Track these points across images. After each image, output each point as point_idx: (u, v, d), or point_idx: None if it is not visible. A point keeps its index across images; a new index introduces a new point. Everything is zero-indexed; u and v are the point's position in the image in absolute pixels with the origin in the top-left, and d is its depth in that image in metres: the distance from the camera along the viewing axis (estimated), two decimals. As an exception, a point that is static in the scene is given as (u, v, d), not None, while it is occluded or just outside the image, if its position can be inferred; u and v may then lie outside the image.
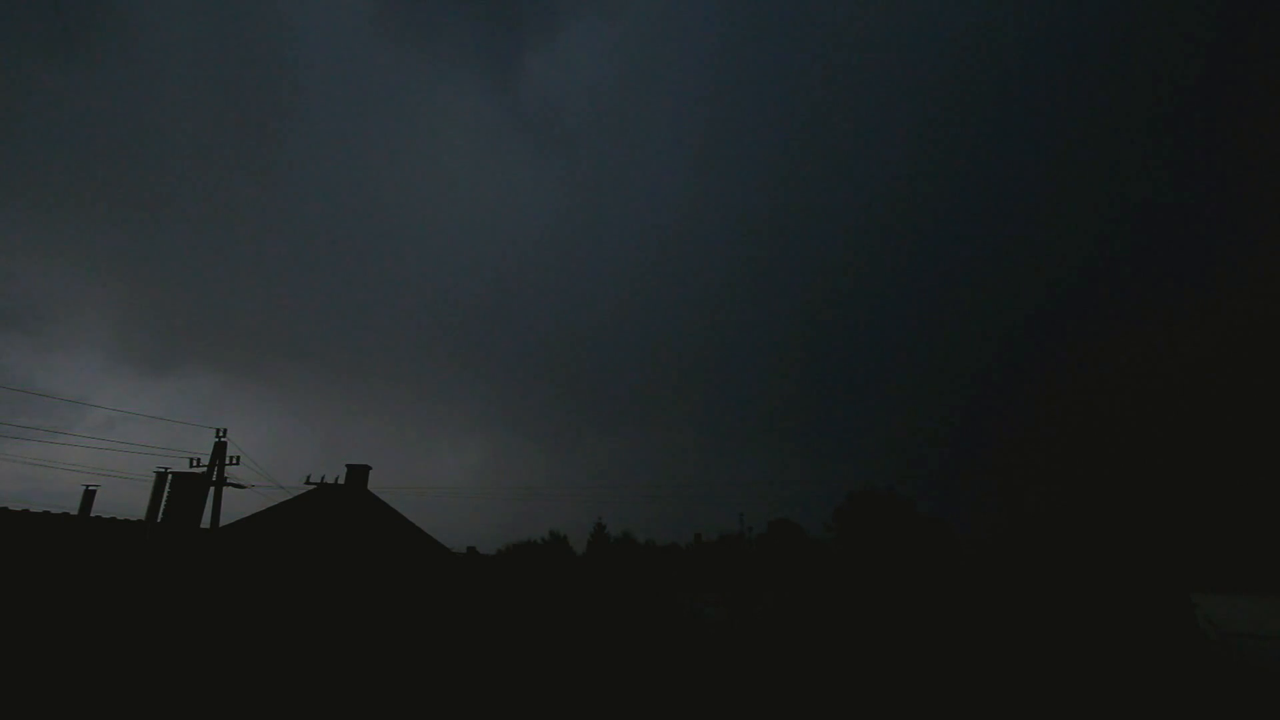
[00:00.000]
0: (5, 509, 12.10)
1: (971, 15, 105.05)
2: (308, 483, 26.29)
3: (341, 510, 25.02)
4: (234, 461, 23.79)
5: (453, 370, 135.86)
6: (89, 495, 21.91)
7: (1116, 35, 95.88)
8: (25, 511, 12.55)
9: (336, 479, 26.72)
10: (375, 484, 27.69)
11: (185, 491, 20.25)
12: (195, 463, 22.99)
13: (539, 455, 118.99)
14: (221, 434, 23.62)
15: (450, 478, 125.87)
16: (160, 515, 20.09)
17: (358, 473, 27.14)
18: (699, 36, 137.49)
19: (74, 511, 19.03)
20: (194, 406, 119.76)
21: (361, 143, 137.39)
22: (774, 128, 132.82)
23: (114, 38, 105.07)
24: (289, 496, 25.94)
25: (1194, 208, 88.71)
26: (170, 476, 20.62)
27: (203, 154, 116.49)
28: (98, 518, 16.18)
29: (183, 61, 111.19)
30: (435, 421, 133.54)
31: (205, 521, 21.30)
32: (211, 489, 22.38)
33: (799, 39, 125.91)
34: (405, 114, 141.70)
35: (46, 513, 13.08)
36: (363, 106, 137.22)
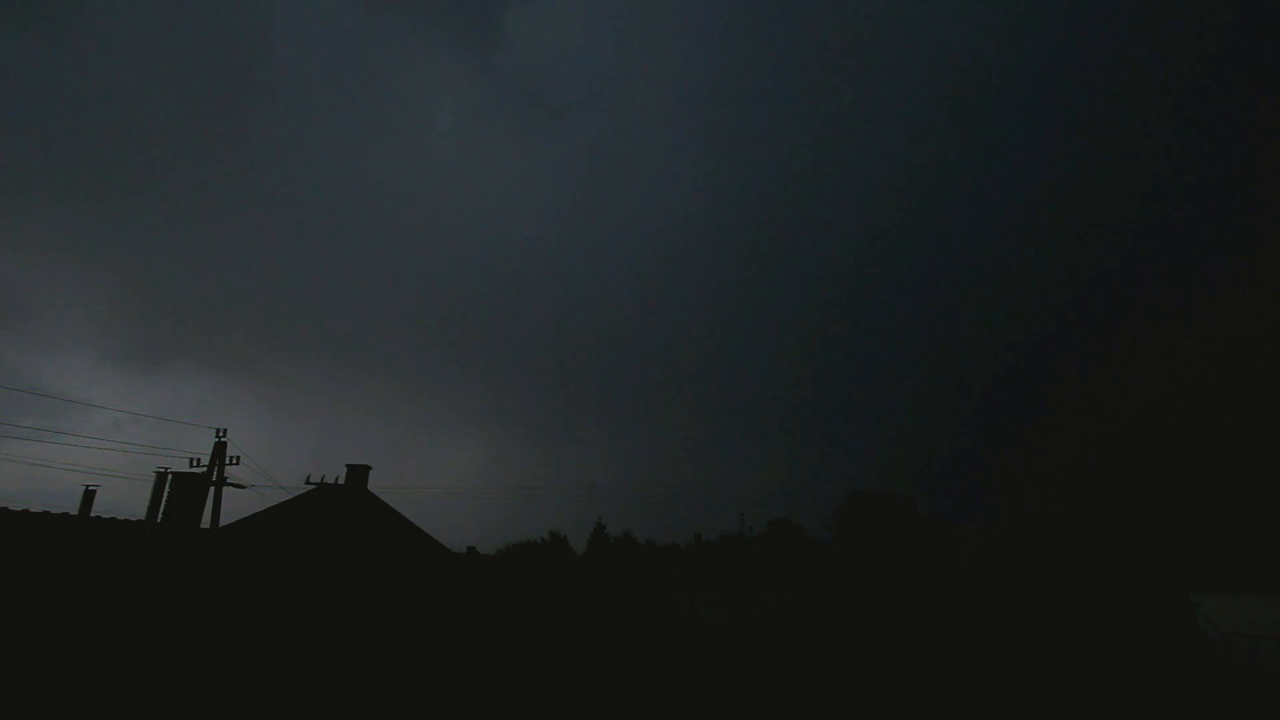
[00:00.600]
0: (5, 509, 12.09)
1: (992, 12, 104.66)
2: (308, 483, 26.29)
3: (341, 510, 25.02)
4: (234, 461, 23.80)
5: (451, 366, 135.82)
6: (89, 495, 21.91)
7: (1130, 35, 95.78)
8: (25, 511, 12.55)
9: (336, 479, 26.72)
10: (375, 484, 27.72)
11: (185, 491, 20.26)
12: (195, 463, 23.01)
13: (539, 455, 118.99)
14: (221, 434, 23.64)
15: (450, 478, 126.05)
16: (160, 515, 20.10)
17: (358, 473, 27.14)
18: (702, 13, 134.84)
19: (74, 511, 19.04)
20: (187, 405, 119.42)
21: (341, 121, 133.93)
22: (783, 121, 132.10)
23: (76, 13, 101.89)
24: (289, 496, 25.96)
25: (1195, 211, 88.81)
26: (170, 476, 20.63)
27: (176, 136, 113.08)
28: (98, 518, 16.18)
29: (148, 39, 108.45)
30: (435, 420, 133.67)
31: (205, 521, 21.31)
32: (211, 489, 22.39)
33: (811, 21, 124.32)
34: (386, 90, 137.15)
35: (46, 513, 13.08)
36: (340, 81, 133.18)
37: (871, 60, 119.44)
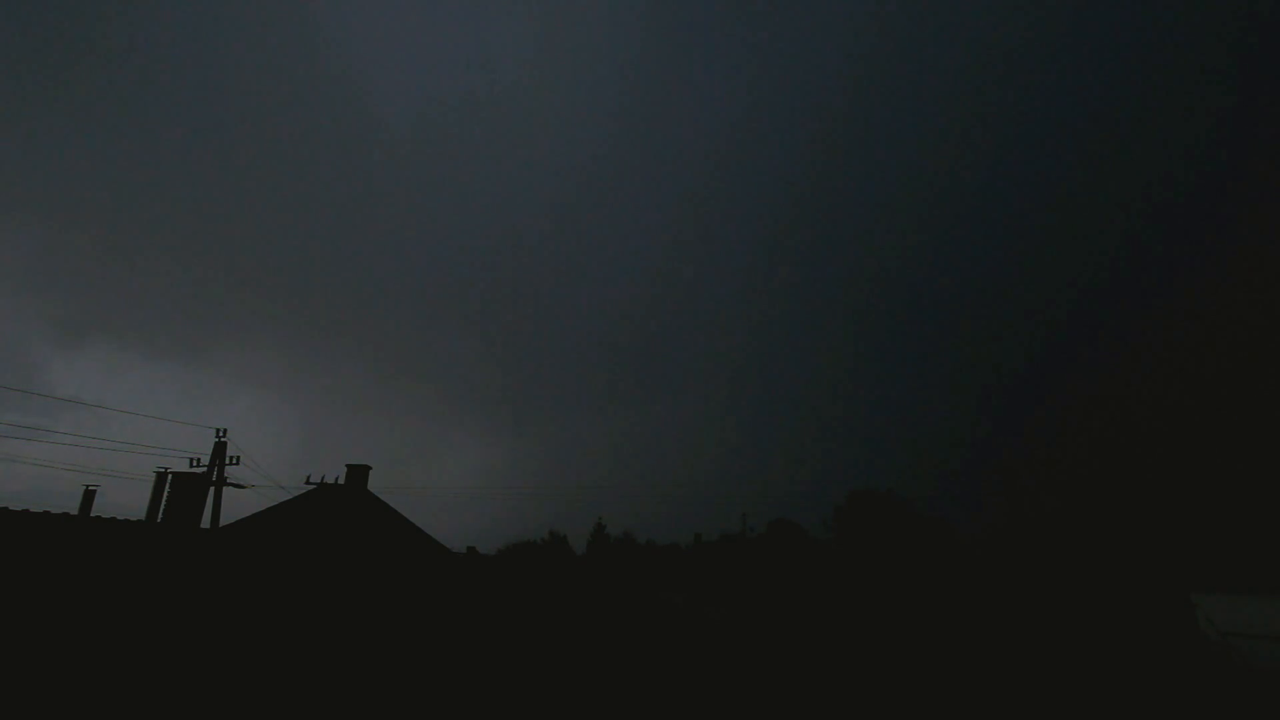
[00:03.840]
0: (5, 509, 12.08)
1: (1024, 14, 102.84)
2: (308, 483, 26.29)
3: (341, 510, 25.02)
4: (234, 461, 23.82)
5: (450, 362, 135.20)
6: (89, 495, 21.93)
7: (1147, 36, 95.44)
8: (25, 511, 12.54)
9: (336, 479, 26.71)
10: (375, 484, 27.72)
11: (185, 491, 20.27)
12: (195, 463, 23.03)
13: (539, 455, 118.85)
14: (221, 434, 23.66)
15: (450, 478, 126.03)
16: (160, 515, 20.11)
17: (358, 473, 27.14)
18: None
19: (74, 511, 19.03)
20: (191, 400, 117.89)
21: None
22: (799, 127, 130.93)
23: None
24: (289, 496, 25.96)
25: (1195, 214, 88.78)
26: (170, 476, 20.64)
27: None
28: (98, 518, 16.17)
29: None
30: (437, 419, 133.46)
31: (205, 521, 21.30)
32: (211, 489, 22.40)
33: (837, 18, 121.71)
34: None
35: (46, 513, 13.06)
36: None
37: (885, 66, 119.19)
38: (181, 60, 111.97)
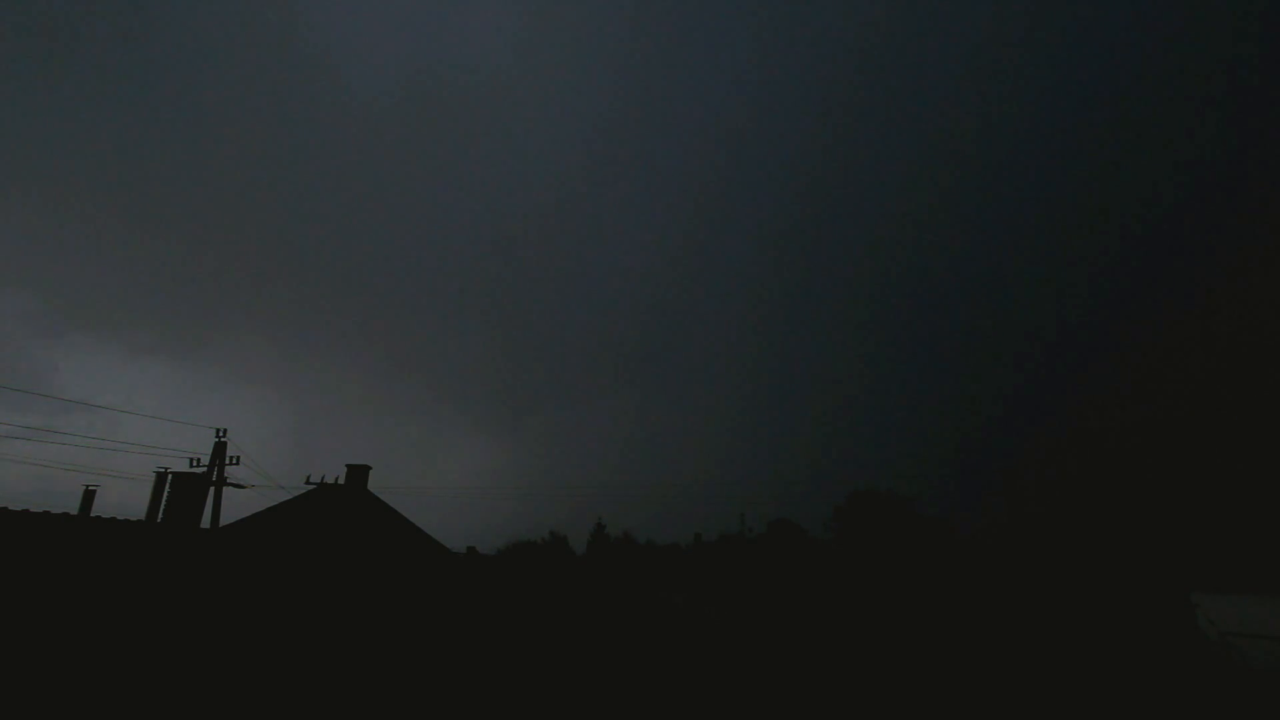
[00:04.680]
0: (5, 509, 12.08)
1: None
2: (308, 483, 26.29)
3: (341, 510, 25.01)
4: (234, 461, 23.82)
5: (450, 360, 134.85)
6: (89, 495, 21.93)
7: (1148, 36, 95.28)
8: (25, 511, 12.53)
9: (336, 479, 26.70)
10: (375, 484, 27.70)
11: (185, 491, 20.26)
12: (195, 463, 23.03)
13: (539, 455, 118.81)
14: (221, 434, 23.66)
15: (450, 478, 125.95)
16: (160, 515, 20.11)
17: (358, 473, 27.13)
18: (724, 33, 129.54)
19: (74, 511, 19.02)
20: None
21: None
22: (797, 138, 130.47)
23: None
24: (289, 496, 25.95)
25: (1195, 211, 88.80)
26: (170, 476, 20.64)
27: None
28: (98, 518, 16.17)
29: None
30: (435, 420, 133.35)
31: (206, 521, 21.29)
32: (211, 489, 22.40)
33: (832, 25, 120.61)
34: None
35: (46, 513, 13.05)
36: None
37: (892, 58, 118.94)
38: (169, 51, 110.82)
